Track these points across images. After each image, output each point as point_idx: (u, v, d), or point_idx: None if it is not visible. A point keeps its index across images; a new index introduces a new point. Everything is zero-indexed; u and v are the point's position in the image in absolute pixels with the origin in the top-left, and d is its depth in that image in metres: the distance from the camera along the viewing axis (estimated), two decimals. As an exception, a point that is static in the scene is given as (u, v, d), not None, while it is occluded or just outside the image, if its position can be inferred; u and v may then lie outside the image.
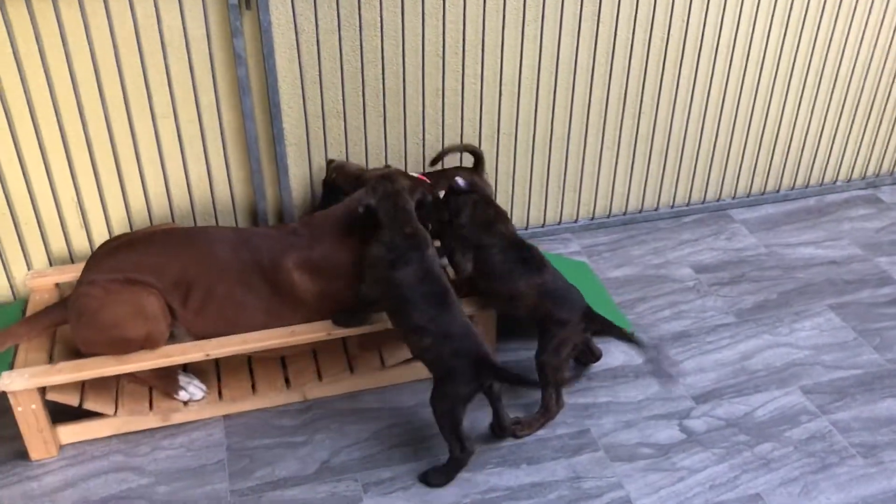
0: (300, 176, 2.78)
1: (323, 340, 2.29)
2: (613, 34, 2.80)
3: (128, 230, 2.69)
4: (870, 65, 3.13)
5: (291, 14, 2.49)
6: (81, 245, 2.68)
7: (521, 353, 2.55)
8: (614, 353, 2.60)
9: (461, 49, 2.69)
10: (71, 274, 2.50)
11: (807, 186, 3.38)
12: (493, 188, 2.92)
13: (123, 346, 2.18)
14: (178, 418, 2.31)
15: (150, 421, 2.29)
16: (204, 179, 2.70)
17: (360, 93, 2.68)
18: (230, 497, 2.13)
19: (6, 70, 2.36)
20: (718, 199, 3.29)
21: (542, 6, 2.69)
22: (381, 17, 2.57)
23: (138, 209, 2.68)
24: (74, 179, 2.58)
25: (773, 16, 2.92)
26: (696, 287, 2.88)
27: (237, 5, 2.41)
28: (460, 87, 2.76)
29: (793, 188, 3.37)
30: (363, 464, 2.23)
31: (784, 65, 3.04)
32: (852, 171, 3.40)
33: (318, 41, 2.56)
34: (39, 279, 2.48)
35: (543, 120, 2.90)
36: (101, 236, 2.68)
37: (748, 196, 3.32)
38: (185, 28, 2.43)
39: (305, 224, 2.35)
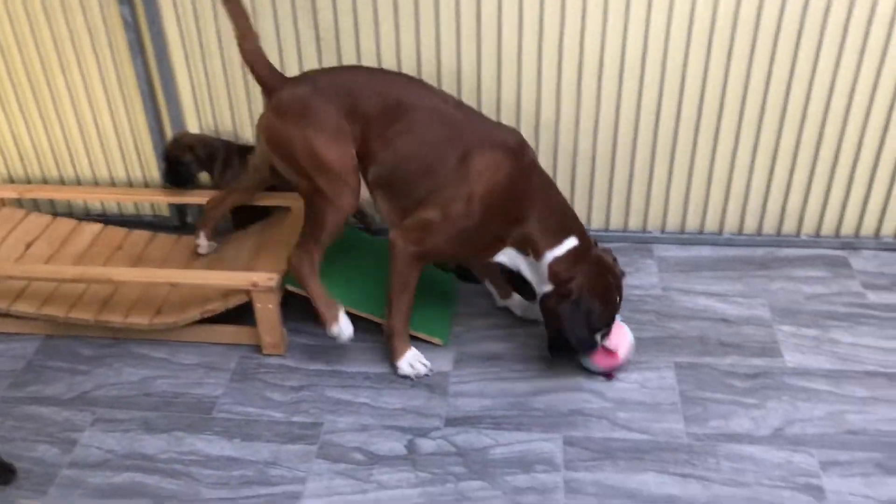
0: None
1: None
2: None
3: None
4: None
5: (171, -14, 2.71)
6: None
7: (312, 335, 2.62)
8: (411, 360, 2.53)
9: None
10: None
11: (759, 234, 2.95)
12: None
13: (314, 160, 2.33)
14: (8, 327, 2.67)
15: None
16: (111, 130, 3.03)
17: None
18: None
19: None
20: (644, 231, 2.99)
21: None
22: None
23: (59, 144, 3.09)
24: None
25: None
26: (549, 314, 2.68)
27: (120, -26, 2.68)
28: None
29: (740, 233, 2.96)
30: (110, 401, 2.41)
31: (733, 95, 2.70)
32: (820, 225, 2.91)
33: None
34: None
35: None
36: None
37: (681, 233, 2.98)
38: (81, -9, 2.76)
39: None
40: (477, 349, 2.56)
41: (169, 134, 2.98)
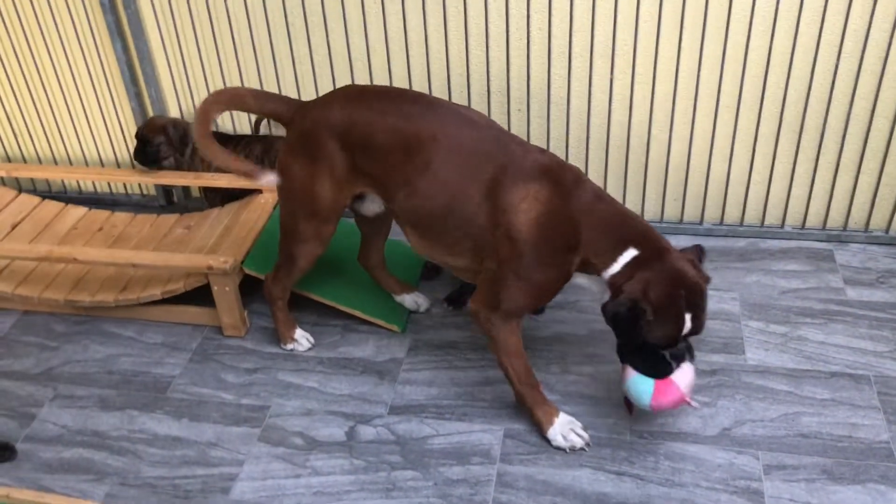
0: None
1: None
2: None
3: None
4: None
5: (144, -31, 2.74)
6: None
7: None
8: (367, 344, 2.53)
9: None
10: None
11: (741, 224, 2.84)
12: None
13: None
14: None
15: None
16: (97, 112, 3.09)
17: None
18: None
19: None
20: (623, 219, 2.91)
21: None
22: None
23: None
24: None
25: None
26: (512, 303, 2.65)
27: (95, -42, 2.71)
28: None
29: (721, 223, 2.86)
30: (73, 377, 2.48)
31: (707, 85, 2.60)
32: (806, 216, 2.79)
33: None
34: None
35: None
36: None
37: (660, 222, 2.89)
38: (60, -24, 2.81)
39: None
40: (433, 337, 2.54)
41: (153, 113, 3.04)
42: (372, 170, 2.16)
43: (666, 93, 2.64)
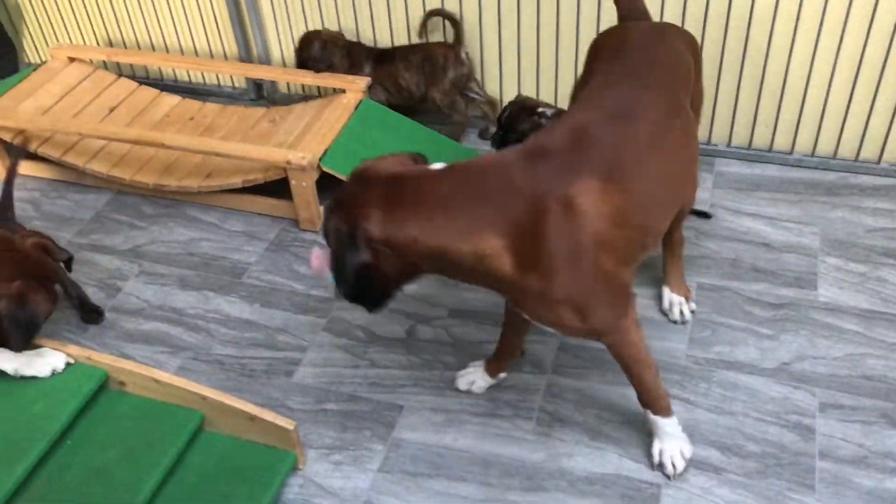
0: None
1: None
2: None
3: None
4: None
5: None
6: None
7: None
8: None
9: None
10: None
11: (833, 157, 2.70)
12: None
13: None
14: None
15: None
16: (193, 2, 3.15)
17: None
18: (64, 245, 2.72)
19: None
20: (708, 143, 2.81)
21: None
22: None
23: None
24: None
25: None
26: (583, 220, 2.62)
27: None
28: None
29: (812, 154, 2.72)
30: (157, 256, 2.62)
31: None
32: (906, 153, 2.63)
33: None
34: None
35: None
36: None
37: (748, 148, 2.78)
38: None
39: None
40: (500, 246, 2.56)
41: (245, 11, 3.07)
42: None
43: (767, 8, 2.50)
